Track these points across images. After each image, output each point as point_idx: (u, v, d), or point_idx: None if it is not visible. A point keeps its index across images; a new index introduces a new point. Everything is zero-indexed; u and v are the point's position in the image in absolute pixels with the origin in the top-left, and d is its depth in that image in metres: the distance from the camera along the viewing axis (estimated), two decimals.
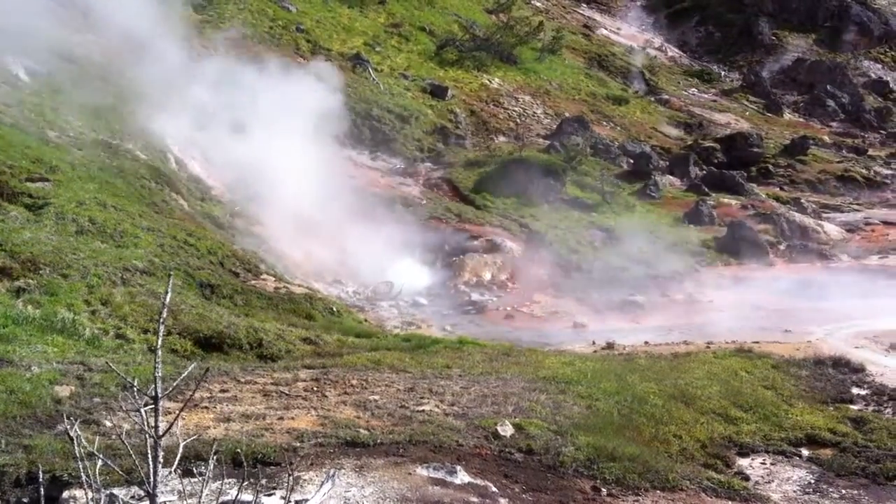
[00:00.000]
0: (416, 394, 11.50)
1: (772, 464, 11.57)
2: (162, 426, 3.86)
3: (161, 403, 3.68)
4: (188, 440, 4.77)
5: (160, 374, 3.73)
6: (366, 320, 20.05)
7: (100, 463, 4.30)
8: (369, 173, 31.10)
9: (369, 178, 30.57)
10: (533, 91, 41.81)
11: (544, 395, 11.94)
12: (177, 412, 4.50)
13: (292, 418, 9.88)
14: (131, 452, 4.18)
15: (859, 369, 16.37)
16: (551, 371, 13.48)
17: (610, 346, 18.06)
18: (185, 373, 4.19)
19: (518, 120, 38.81)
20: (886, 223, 33.17)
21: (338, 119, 29.61)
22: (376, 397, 11.08)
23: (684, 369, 14.82)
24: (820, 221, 32.23)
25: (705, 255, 27.59)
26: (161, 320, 3.60)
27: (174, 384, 4.05)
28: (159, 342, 3.69)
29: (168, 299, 3.82)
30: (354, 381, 11.83)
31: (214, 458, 4.19)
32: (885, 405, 14.71)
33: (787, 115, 49.10)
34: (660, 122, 43.41)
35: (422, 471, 8.65)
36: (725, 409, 12.99)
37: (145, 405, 3.85)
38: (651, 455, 10.26)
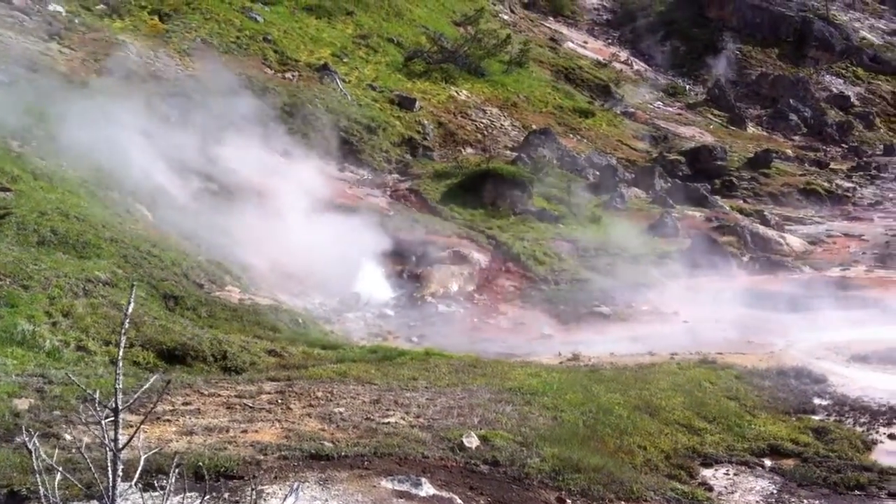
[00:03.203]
0: (382, 406, 11.47)
1: (735, 474, 11.67)
2: (123, 439, 3.81)
3: (121, 416, 3.63)
4: (149, 453, 4.71)
5: (121, 387, 3.68)
6: (332, 332, 19.96)
7: (59, 476, 4.24)
8: (337, 184, 31.00)
9: (336, 188, 30.47)
10: (500, 103, 41.96)
11: (510, 407, 11.97)
12: (137, 425, 4.45)
13: (256, 431, 9.81)
14: (91, 466, 4.13)
15: (821, 380, 16.58)
16: (517, 382, 13.51)
17: (576, 357, 18.11)
18: (146, 385, 4.14)
19: (485, 132, 38.91)
20: (847, 235, 33.64)
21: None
22: (341, 409, 11.03)
23: (649, 380, 14.93)
24: (783, 234, 32.62)
25: (670, 266, 27.79)
26: (122, 332, 3.56)
27: (134, 396, 4.00)
28: (120, 353, 3.65)
29: (130, 310, 3.78)
30: (320, 394, 11.77)
31: (176, 471, 4.13)
32: (847, 415, 14.91)
33: (751, 129, 49.70)
34: (625, 134, 43.76)
35: (386, 483, 8.62)
36: (689, 419, 13.10)
37: (105, 418, 3.80)
38: (616, 466, 10.31)
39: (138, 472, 3.95)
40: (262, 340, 15.75)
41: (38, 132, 21.99)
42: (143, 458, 3.95)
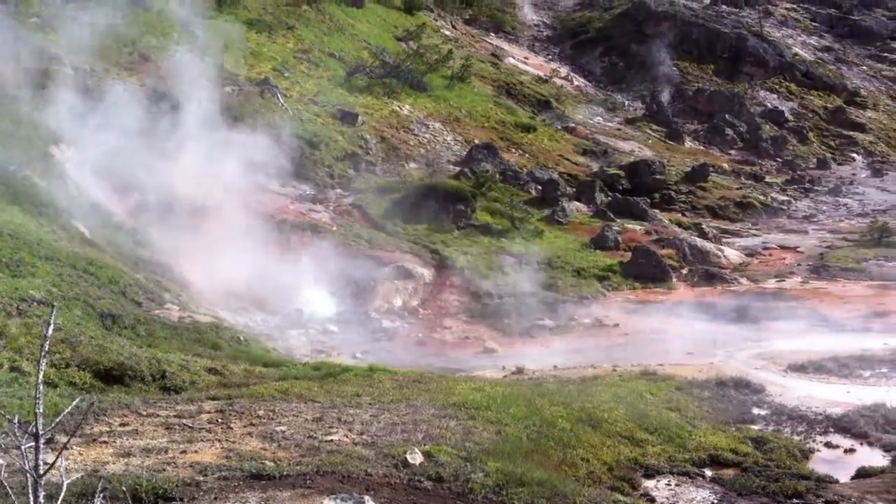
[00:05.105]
0: (325, 423, 11.36)
1: (676, 485, 11.80)
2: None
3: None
4: (71, 479, 4.58)
5: (41, 411, 3.57)
6: (274, 349, 19.73)
7: None
8: (278, 199, 30.74)
9: (278, 204, 30.22)
10: (443, 118, 42.07)
11: (454, 422, 11.94)
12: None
13: (196, 451, 9.64)
14: (10, 492, 3.97)
15: (759, 390, 16.89)
16: (461, 397, 13.50)
17: (520, 370, 18.20)
18: (68, 409, 4.02)
19: (428, 146, 38.98)
20: (783, 247, 34.34)
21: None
22: (283, 428, 10.90)
23: (592, 393, 15.05)
24: (720, 246, 33.18)
25: (611, 279, 28.08)
26: (42, 354, 3.45)
27: (55, 421, 3.88)
28: (40, 377, 3.54)
29: (50, 332, 3.67)
30: (261, 412, 11.61)
31: (101, 495, 4.02)
32: (785, 425, 15.21)
33: (689, 143, 50.54)
34: (566, 149, 44.18)
35: (329, 502, 8.52)
36: (631, 431, 13.21)
37: (26, 443, 3.68)
38: (559, 479, 10.34)
39: (62, 496, 3.82)
40: (202, 359, 15.50)
41: None
42: (65, 484, 3.83)
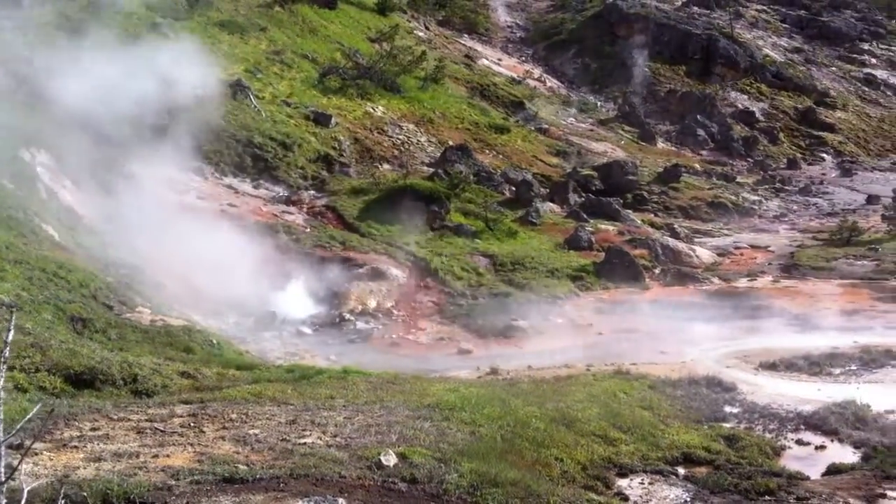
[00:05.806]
0: (299, 426, 11.31)
1: (650, 483, 11.86)
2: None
3: (7, 445, 3.48)
4: (40, 483, 4.53)
5: (1, 417, 3.52)
6: (247, 352, 19.63)
7: None
8: (251, 201, 30.61)
9: (251, 206, 30.08)
10: (416, 119, 42.04)
11: (428, 423, 11.94)
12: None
13: (167, 456, 9.57)
14: None
15: (731, 388, 17.03)
16: (436, 398, 13.50)
17: (494, 371, 18.22)
18: (30, 413, 3.97)
19: (402, 148, 38.94)
20: (754, 247, 34.63)
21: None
22: (257, 431, 10.85)
23: (565, 392, 15.11)
24: (692, 246, 33.39)
25: (585, 279, 28.17)
26: (3, 360, 3.41)
27: (19, 426, 3.83)
28: (0, 382, 3.49)
29: (10, 337, 3.62)
30: (234, 415, 11.55)
31: (64, 500, 3.98)
32: (756, 423, 15.35)
33: (661, 144, 50.84)
34: (540, 150, 44.29)
35: None
36: (605, 430, 13.27)
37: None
38: (533, 479, 10.36)
39: (23, 500, 3.76)
40: (174, 362, 15.39)
41: None
42: (25, 490, 3.79)
